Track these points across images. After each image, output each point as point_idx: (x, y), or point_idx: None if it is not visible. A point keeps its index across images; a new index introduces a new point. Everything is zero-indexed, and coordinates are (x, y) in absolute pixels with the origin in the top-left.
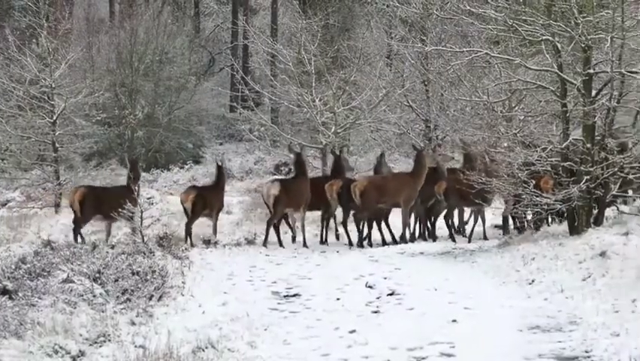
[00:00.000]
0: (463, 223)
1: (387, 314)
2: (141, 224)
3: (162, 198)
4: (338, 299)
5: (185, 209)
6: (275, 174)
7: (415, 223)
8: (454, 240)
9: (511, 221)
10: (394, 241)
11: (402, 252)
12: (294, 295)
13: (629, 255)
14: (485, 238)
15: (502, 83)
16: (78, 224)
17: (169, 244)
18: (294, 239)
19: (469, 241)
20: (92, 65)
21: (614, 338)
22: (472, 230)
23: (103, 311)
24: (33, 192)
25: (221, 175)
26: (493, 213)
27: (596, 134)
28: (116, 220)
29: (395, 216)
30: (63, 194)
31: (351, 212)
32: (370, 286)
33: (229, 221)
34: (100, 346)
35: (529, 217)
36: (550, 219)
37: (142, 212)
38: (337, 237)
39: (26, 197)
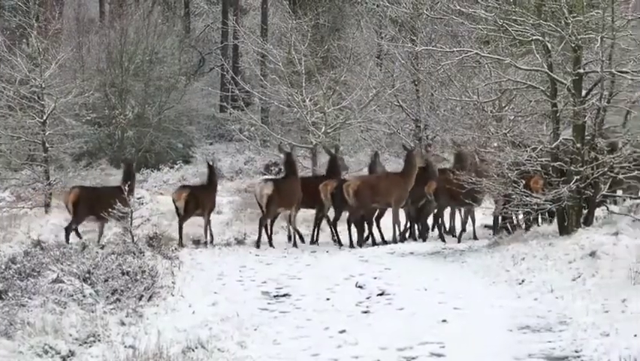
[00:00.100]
0: (454, 224)
1: (377, 314)
2: (131, 224)
3: (152, 198)
4: (328, 299)
5: (176, 208)
6: (265, 174)
7: (407, 223)
8: (443, 240)
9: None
10: (384, 242)
11: (392, 252)
12: (284, 295)
13: (618, 255)
14: (475, 237)
15: (493, 83)
16: (72, 224)
17: (159, 244)
18: (302, 239)
19: (459, 241)
20: (82, 65)
21: (603, 338)
22: (462, 230)
23: (93, 311)
24: (23, 192)
25: (213, 175)
26: (484, 213)
27: (586, 134)
28: (107, 220)
29: (385, 217)
30: (53, 194)
31: (344, 213)
32: (360, 286)
33: (219, 221)
34: (90, 346)
35: (519, 217)
36: (540, 219)
37: (132, 212)
38: (337, 239)
39: (16, 197)
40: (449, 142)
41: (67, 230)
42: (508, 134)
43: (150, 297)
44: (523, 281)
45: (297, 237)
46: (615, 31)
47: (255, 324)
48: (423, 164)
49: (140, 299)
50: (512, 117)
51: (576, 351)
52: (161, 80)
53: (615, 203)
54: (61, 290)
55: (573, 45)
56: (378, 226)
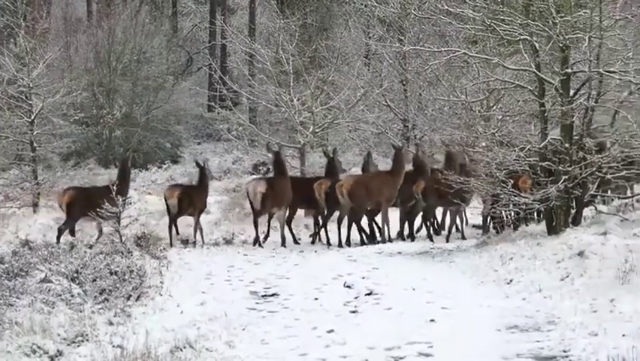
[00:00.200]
0: (443, 224)
1: (366, 314)
2: (119, 224)
3: (140, 198)
4: (316, 299)
5: (168, 206)
6: (253, 174)
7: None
8: (432, 240)
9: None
10: (371, 242)
11: (380, 252)
12: (273, 295)
13: (607, 255)
14: (463, 237)
15: (480, 83)
16: (66, 225)
17: (147, 244)
18: (295, 240)
19: (447, 241)
20: (70, 64)
21: (592, 338)
22: (450, 230)
23: (81, 311)
24: (11, 191)
25: (204, 176)
26: (472, 213)
27: (574, 133)
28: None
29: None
30: (41, 194)
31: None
32: (348, 286)
33: (207, 221)
34: (78, 346)
35: (507, 217)
36: (524, 219)
37: (120, 212)
38: (327, 239)
39: (4, 197)
40: (438, 142)
41: (60, 231)
42: (496, 134)
43: (138, 297)
44: (511, 281)
45: (286, 237)
46: (603, 31)
47: (243, 324)
48: (416, 164)
49: (128, 299)
50: (500, 117)
51: (564, 351)
52: (148, 80)
53: (604, 203)
54: (49, 290)
55: (561, 45)
56: (370, 226)
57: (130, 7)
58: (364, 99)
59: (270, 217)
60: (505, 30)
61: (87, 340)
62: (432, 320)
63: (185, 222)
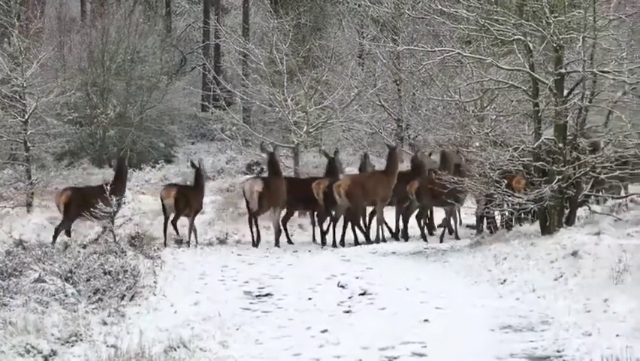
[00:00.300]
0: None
1: (359, 314)
2: (113, 223)
3: (134, 198)
4: (310, 299)
5: (164, 206)
6: (247, 174)
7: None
8: (425, 240)
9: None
10: (359, 241)
11: (374, 251)
12: (266, 295)
13: (600, 255)
14: (457, 237)
15: (474, 83)
16: (62, 225)
17: (141, 244)
18: (289, 240)
19: (441, 241)
20: (64, 64)
21: (585, 338)
22: (444, 230)
23: (75, 311)
24: (5, 191)
25: (199, 177)
26: (465, 213)
27: (568, 133)
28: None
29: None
30: (35, 193)
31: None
32: (342, 286)
33: (201, 221)
34: (72, 345)
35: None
36: (514, 219)
37: (115, 212)
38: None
39: None
40: (432, 142)
41: (57, 231)
42: (490, 134)
43: (132, 296)
44: (505, 281)
45: (279, 236)
46: (597, 31)
47: (236, 324)
48: (415, 164)
49: (122, 299)
50: (494, 117)
51: (558, 351)
52: (142, 80)
53: (598, 203)
54: (43, 290)
55: (555, 45)
56: (363, 226)
57: (124, 7)
58: (358, 99)
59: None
60: (498, 30)
61: (81, 340)
62: (426, 320)
63: (180, 222)
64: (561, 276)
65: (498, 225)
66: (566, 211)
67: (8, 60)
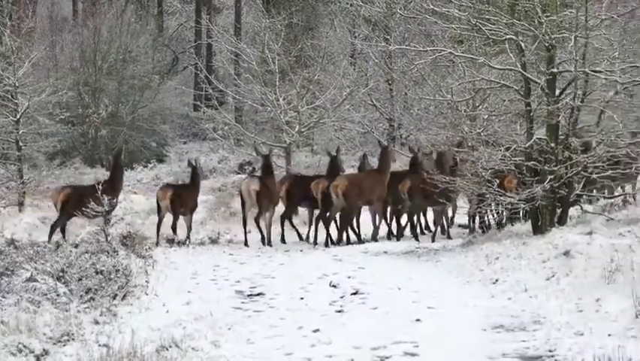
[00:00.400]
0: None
1: (351, 313)
2: (107, 223)
3: (126, 197)
4: (302, 298)
5: (160, 206)
6: (239, 173)
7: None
8: (417, 239)
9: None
10: (352, 241)
11: (366, 251)
12: (258, 295)
13: (592, 254)
14: (449, 237)
15: (466, 82)
16: (59, 222)
17: (133, 243)
18: (307, 238)
19: (433, 241)
20: (56, 63)
21: (577, 338)
22: (436, 230)
23: (67, 310)
24: None
25: (196, 176)
26: (457, 213)
27: (560, 133)
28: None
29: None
30: (27, 193)
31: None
32: (334, 286)
33: (193, 220)
34: (64, 345)
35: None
36: (509, 219)
37: (112, 209)
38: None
39: None
40: (423, 141)
41: (53, 228)
42: (482, 134)
43: (124, 296)
44: (497, 281)
45: (270, 236)
46: (589, 31)
47: (228, 323)
48: (414, 164)
49: (114, 298)
50: (486, 116)
51: (550, 351)
52: (134, 79)
53: (590, 202)
54: (34, 289)
55: (547, 44)
56: (358, 225)
57: (115, 7)
58: (350, 99)
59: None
60: (490, 29)
61: (73, 339)
62: (418, 320)
63: (170, 222)
64: (553, 276)
65: (492, 223)
66: (558, 211)
67: (0, 60)
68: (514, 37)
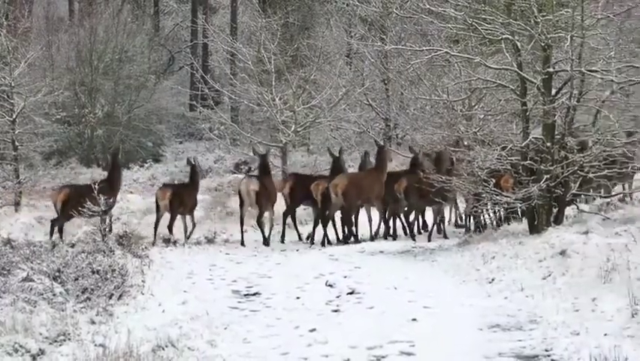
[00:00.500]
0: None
1: (347, 313)
2: (105, 222)
3: (122, 197)
4: (298, 298)
5: (159, 206)
6: (235, 173)
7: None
8: (413, 239)
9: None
10: (356, 240)
11: (362, 251)
12: (254, 294)
13: (589, 254)
14: (445, 236)
15: (462, 82)
16: (58, 221)
17: (129, 243)
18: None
19: (429, 240)
20: (52, 63)
21: (574, 337)
22: (432, 229)
23: (63, 310)
24: None
25: (194, 174)
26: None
27: (556, 133)
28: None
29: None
30: (23, 192)
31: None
32: (330, 285)
33: (186, 220)
34: (60, 345)
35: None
36: (508, 218)
37: (102, 211)
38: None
39: None
40: (419, 141)
41: (53, 224)
42: (478, 133)
43: (120, 296)
44: (493, 280)
45: (264, 235)
46: (585, 30)
47: (225, 323)
48: (414, 164)
49: (110, 298)
50: (482, 116)
51: (546, 350)
52: (130, 79)
53: (586, 202)
54: (31, 289)
55: (543, 44)
56: (356, 225)
57: (112, 6)
58: (346, 98)
59: (242, 218)
60: (487, 29)
61: (69, 339)
62: (414, 319)
63: (166, 222)
64: (549, 275)
65: (487, 223)
66: (554, 210)
67: None
68: (510, 36)
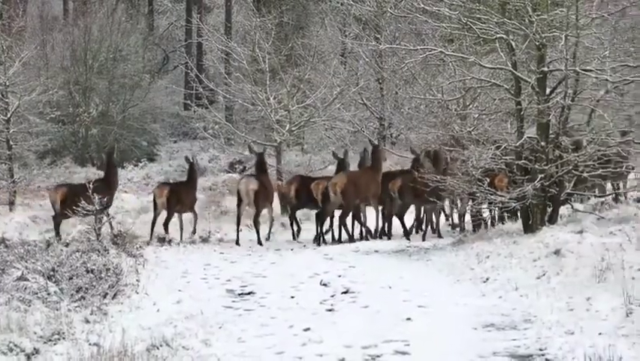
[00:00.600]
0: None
1: (342, 312)
2: (96, 222)
3: (117, 196)
4: (292, 297)
5: (156, 204)
6: (229, 172)
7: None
8: (408, 238)
9: (456, 219)
10: (339, 240)
11: (356, 250)
12: (249, 293)
13: (583, 253)
14: (440, 236)
15: (457, 81)
16: (57, 220)
17: (123, 242)
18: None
19: (424, 239)
20: (46, 62)
21: (568, 336)
22: (426, 229)
23: (57, 309)
24: None
25: (193, 172)
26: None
27: (551, 132)
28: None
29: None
30: (17, 192)
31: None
32: (325, 284)
33: (183, 218)
34: (54, 344)
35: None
36: (502, 218)
37: (99, 210)
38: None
39: None
40: (414, 140)
41: (55, 220)
42: (472, 133)
43: (115, 295)
44: (487, 279)
45: (260, 234)
46: (579, 30)
47: (219, 322)
48: (415, 164)
49: (104, 297)
50: (477, 115)
51: (541, 349)
52: (125, 78)
53: (580, 201)
54: (25, 288)
55: (537, 43)
56: (352, 224)
57: (106, 6)
58: (340, 97)
59: (240, 217)
60: (481, 28)
61: (64, 338)
62: (408, 319)
63: (162, 221)
64: (544, 274)
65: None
66: (549, 210)
67: None
68: (504, 36)
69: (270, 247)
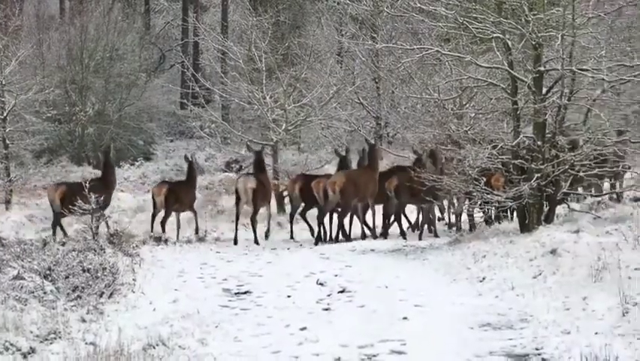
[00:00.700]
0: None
1: (338, 312)
2: (92, 221)
3: (113, 195)
4: (289, 296)
5: (155, 202)
6: (226, 171)
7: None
8: (404, 237)
9: (453, 218)
10: (336, 239)
11: (353, 249)
12: (245, 293)
13: (579, 253)
14: (436, 235)
15: (453, 81)
16: (57, 219)
17: (120, 241)
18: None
19: (420, 239)
20: (43, 61)
21: (564, 336)
22: (423, 228)
23: (53, 308)
24: None
25: (192, 171)
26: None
27: (547, 131)
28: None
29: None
30: (14, 191)
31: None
32: (321, 284)
33: (181, 218)
34: (50, 343)
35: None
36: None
37: (97, 209)
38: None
39: None
40: (410, 140)
41: (54, 224)
42: (468, 132)
43: (111, 294)
44: (484, 279)
45: (257, 233)
46: (576, 29)
47: (215, 321)
48: (417, 164)
49: (100, 296)
50: (473, 115)
51: (537, 349)
52: (121, 77)
53: (577, 201)
54: (21, 287)
55: (534, 43)
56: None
57: (102, 5)
58: (337, 97)
59: (238, 217)
60: (477, 28)
61: (60, 337)
62: (405, 318)
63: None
64: (540, 274)
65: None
66: (545, 209)
67: None
68: (501, 35)
69: (267, 247)
